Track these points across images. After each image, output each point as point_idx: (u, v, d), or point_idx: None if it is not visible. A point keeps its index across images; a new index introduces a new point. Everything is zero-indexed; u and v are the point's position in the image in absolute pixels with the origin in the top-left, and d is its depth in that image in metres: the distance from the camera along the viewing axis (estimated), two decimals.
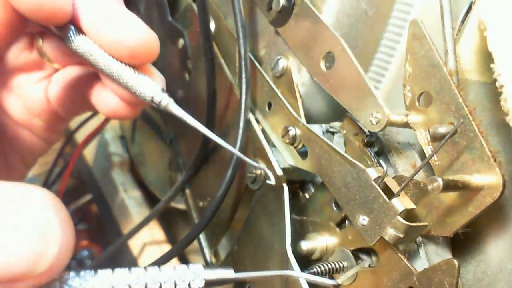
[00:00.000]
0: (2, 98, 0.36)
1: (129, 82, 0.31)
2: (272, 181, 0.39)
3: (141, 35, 0.29)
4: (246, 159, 0.34)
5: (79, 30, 0.30)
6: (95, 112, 0.61)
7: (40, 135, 0.38)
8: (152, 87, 0.31)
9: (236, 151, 0.35)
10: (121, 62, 0.30)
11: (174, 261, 0.58)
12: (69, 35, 0.29)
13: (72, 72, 0.36)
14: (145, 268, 0.25)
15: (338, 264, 0.35)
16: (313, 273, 0.34)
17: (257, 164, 0.39)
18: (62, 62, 0.35)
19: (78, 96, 0.36)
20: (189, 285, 0.25)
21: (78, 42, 0.29)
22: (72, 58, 0.35)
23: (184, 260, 0.63)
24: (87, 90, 0.35)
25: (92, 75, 0.35)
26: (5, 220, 0.20)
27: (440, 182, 0.27)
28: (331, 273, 0.35)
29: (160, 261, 0.44)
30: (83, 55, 0.30)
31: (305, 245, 0.37)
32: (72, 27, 0.29)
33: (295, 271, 0.31)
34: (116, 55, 0.30)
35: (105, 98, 0.34)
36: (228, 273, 0.26)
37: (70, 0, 0.28)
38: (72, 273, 0.23)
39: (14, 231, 0.20)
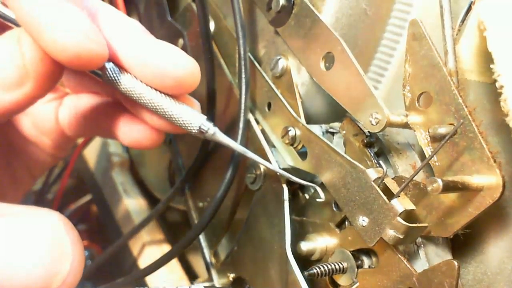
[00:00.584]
0: None
1: (175, 114, 0.30)
2: (322, 198, 0.38)
3: (187, 65, 0.29)
4: (295, 178, 0.36)
5: (119, 67, 0.29)
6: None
7: (48, 151, 0.38)
8: (198, 117, 0.31)
9: (281, 171, 0.37)
10: (164, 93, 0.30)
11: (174, 261, 0.58)
12: (109, 76, 0.29)
13: (85, 99, 0.36)
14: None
15: (338, 265, 0.35)
16: (313, 274, 0.34)
17: (312, 184, 0.38)
18: (75, 90, 0.36)
19: (89, 122, 0.36)
20: None
21: (121, 80, 0.29)
22: (86, 88, 0.35)
23: (184, 261, 0.63)
24: (105, 120, 0.35)
25: (112, 105, 0.35)
26: (23, 241, 0.22)
27: (440, 183, 0.27)
28: (331, 274, 0.35)
29: (160, 262, 0.44)
30: (126, 91, 0.29)
31: (304, 246, 0.37)
32: (110, 67, 0.29)
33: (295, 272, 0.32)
34: (160, 86, 0.30)
35: (133, 129, 0.34)
36: None
37: (105, 42, 0.27)
38: None
39: (31, 251, 0.22)
